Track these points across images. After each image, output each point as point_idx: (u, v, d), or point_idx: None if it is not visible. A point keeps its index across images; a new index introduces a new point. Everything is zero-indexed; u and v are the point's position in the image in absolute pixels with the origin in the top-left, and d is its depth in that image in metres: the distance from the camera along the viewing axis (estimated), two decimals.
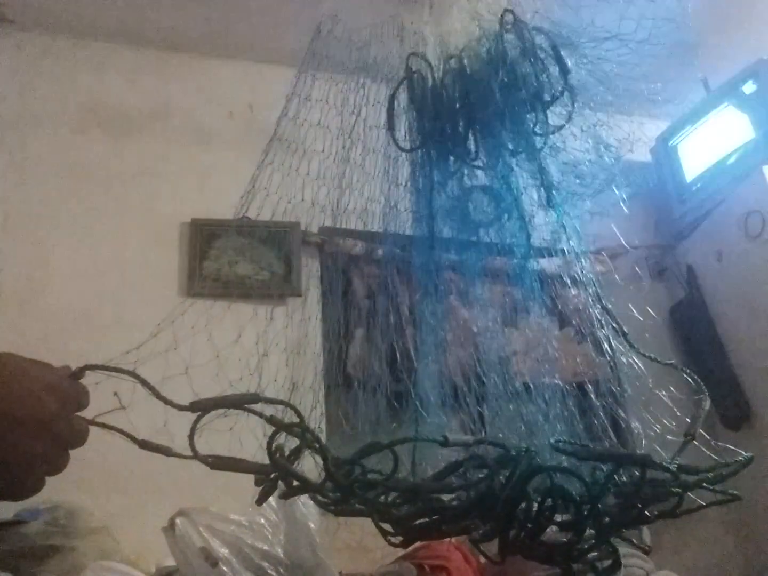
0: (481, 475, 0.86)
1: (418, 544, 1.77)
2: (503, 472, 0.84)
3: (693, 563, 2.35)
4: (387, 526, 0.88)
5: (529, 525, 0.86)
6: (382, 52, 1.33)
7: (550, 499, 0.85)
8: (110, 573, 1.59)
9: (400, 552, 1.79)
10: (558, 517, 0.86)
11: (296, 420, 0.80)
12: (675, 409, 1.12)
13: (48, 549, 1.63)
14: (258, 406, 0.77)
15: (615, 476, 0.88)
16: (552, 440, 1.00)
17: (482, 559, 1.83)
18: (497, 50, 1.25)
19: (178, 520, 1.54)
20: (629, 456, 0.94)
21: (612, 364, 1.32)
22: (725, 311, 2.76)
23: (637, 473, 0.87)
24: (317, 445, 0.80)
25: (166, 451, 0.74)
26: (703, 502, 0.94)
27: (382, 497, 0.86)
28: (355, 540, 1.93)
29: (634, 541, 1.08)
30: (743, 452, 0.95)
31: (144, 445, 0.73)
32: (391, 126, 1.29)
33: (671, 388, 1.15)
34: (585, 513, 0.85)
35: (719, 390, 2.54)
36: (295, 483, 0.82)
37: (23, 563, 1.59)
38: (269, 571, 1.53)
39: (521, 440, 1.10)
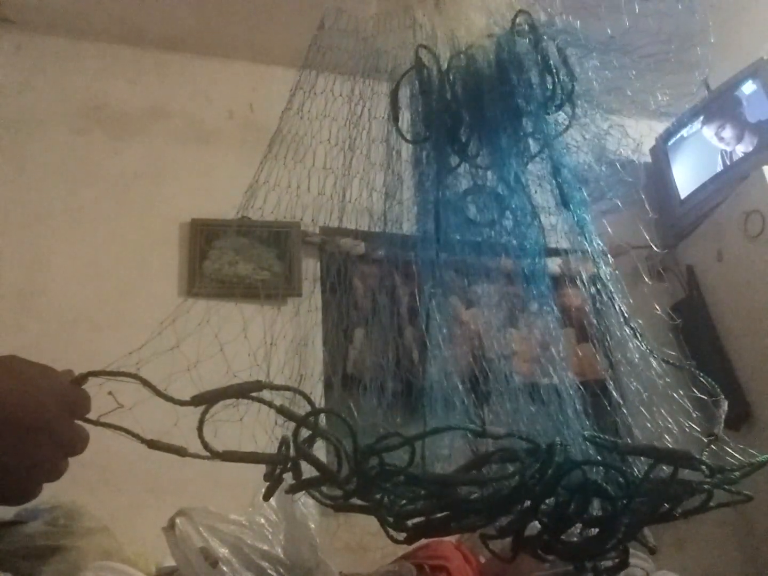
0: (511, 469, 0.83)
1: (418, 543, 1.78)
2: (535, 465, 0.81)
3: (693, 563, 2.35)
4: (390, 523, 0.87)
5: (556, 522, 0.84)
6: (388, 44, 1.32)
7: (582, 496, 0.83)
8: (110, 573, 1.59)
9: (400, 552, 1.79)
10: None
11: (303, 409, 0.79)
12: (685, 408, 1.11)
13: (48, 549, 1.62)
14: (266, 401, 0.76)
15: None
16: (586, 433, 0.98)
17: (482, 559, 1.82)
18: (506, 51, 1.23)
19: (178, 520, 1.54)
20: (671, 452, 0.91)
21: (611, 362, 1.32)
22: (725, 311, 2.76)
23: (666, 470, 0.85)
24: (347, 428, 0.77)
25: (179, 451, 0.71)
26: (711, 504, 0.94)
27: (399, 490, 0.84)
28: (355, 540, 1.93)
29: (641, 540, 1.07)
30: (754, 452, 0.95)
31: (153, 444, 0.71)
32: (395, 117, 1.28)
33: (694, 390, 1.14)
34: (619, 510, 0.83)
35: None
36: (304, 476, 0.80)
37: (23, 563, 1.58)
38: (269, 571, 1.52)
39: (541, 436, 1.08)
